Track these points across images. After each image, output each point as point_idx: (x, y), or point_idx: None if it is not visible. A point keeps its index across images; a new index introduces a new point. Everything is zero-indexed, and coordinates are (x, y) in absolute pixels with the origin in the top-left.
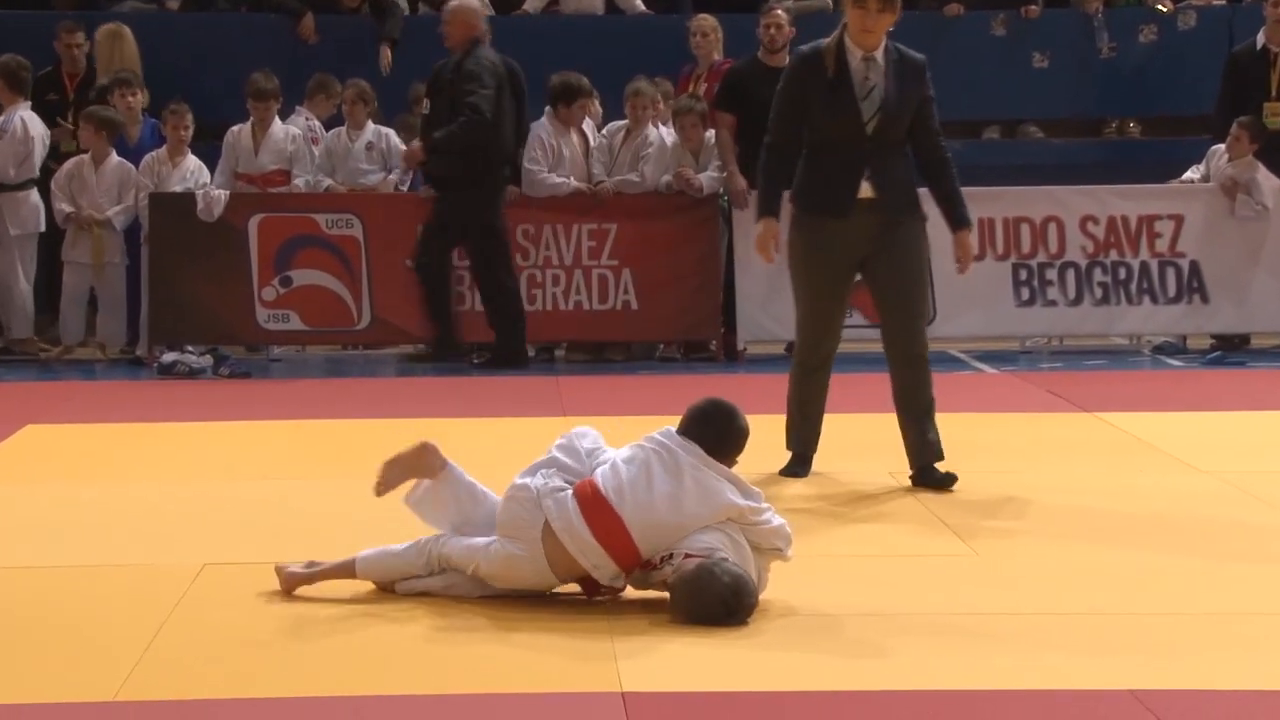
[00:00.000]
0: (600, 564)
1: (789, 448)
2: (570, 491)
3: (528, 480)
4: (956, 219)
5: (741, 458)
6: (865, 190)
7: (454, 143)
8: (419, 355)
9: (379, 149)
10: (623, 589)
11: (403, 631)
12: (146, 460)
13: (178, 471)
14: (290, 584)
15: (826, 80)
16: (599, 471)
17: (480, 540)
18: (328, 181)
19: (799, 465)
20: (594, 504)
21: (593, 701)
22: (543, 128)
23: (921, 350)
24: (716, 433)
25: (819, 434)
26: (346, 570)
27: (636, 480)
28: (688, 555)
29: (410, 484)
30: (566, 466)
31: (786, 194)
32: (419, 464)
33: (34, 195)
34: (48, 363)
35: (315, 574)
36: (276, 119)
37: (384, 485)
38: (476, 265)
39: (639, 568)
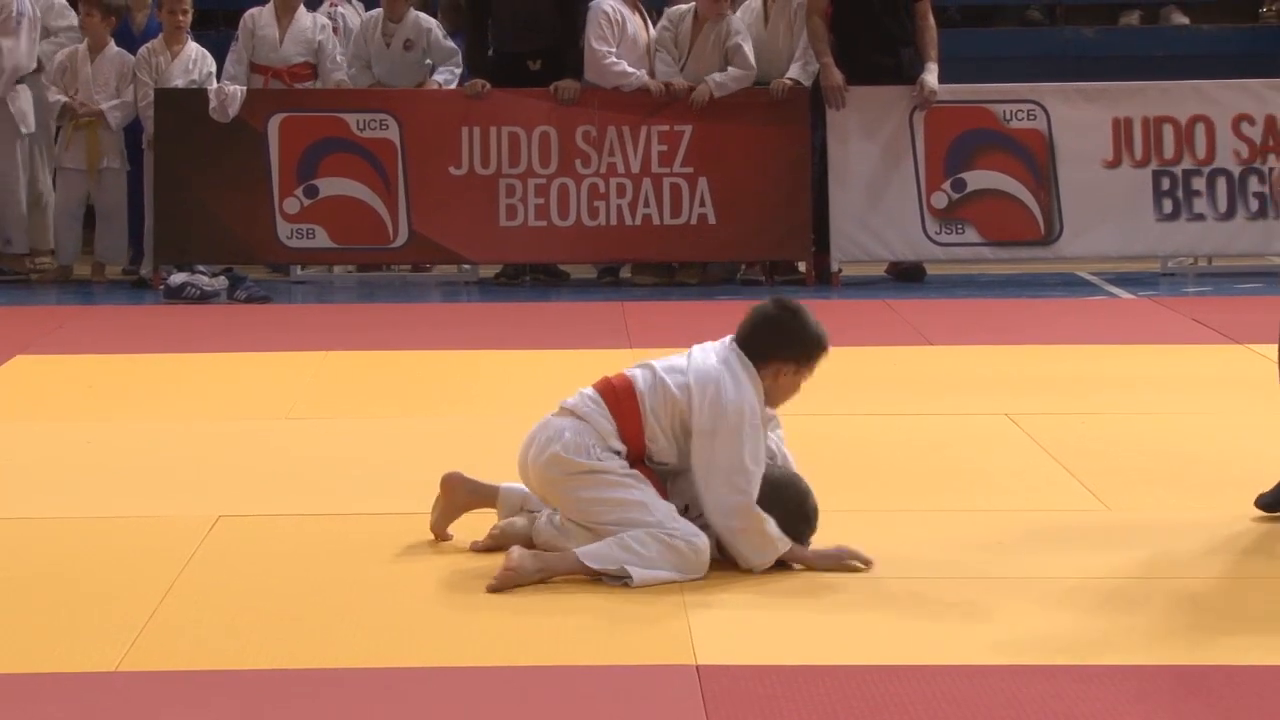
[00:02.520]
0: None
1: None
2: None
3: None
4: None
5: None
6: None
7: None
8: None
9: (419, 47)
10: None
11: (457, 599)
12: (152, 397)
13: (188, 410)
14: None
15: None
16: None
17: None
18: (368, 77)
19: None
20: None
21: (667, 674)
22: (606, 1)
23: None
24: (762, 337)
25: None
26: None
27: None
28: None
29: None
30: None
31: None
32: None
33: (23, 92)
34: (39, 284)
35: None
36: (302, 5)
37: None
38: None
39: None
